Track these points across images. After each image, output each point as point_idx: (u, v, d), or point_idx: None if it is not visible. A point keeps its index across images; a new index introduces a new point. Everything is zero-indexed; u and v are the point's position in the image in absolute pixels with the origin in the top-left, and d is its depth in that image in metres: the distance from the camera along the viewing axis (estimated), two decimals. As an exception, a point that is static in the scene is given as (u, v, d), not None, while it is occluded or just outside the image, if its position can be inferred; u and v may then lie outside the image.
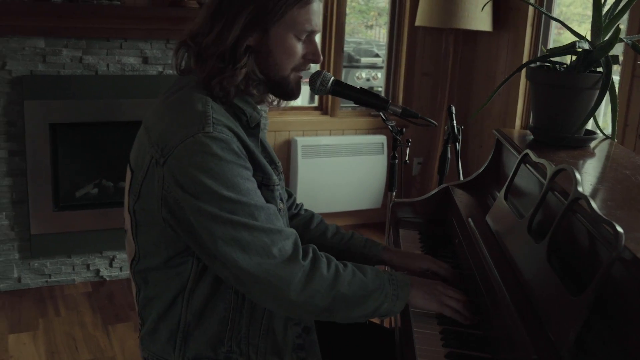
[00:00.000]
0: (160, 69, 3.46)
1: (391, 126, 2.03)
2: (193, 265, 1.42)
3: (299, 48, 1.44)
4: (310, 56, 1.47)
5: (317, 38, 1.52)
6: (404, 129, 2.18)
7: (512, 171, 1.75)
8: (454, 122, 2.38)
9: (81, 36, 3.25)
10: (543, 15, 3.81)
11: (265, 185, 1.42)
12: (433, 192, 2.20)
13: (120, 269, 3.63)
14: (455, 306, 1.47)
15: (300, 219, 1.78)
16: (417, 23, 4.07)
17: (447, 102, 4.23)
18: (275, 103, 1.58)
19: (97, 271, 3.58)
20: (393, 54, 4.53)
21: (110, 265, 3.60)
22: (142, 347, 1.53)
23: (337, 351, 1.66)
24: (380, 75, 6.42)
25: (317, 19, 1.44)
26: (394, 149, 2.26)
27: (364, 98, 1.60)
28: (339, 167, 4.32)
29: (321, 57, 1.48)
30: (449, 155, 2.50)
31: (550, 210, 1.48)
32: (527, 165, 1.72)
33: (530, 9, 3.81)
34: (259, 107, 1.53)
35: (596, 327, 1.15)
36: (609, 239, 1.17)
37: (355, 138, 4.40)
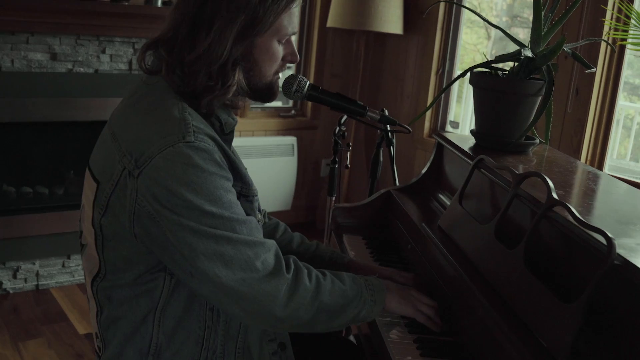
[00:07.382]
0: (70, 66, 3.25)
1: (338, 129, 2.01)
2: (165, 281, 1.33)
3: (281, 52, 1.39)
4: (289, 57, 1.42)
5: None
6: (345, 133, 2.15)
7: (467, 176, 1.77)
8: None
9: (-18, 29, 3.00)
10: (452, 20, 3.91)
11: (244, 196, 1.37)
12: (374, 196, 2.20)
13: (25, 280, 3.38)
14: (428, 312, 1.47)
15: (264, 228, 1.71)
16: (329, 24, 4.07)
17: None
18: (246, 104, 1.51)
19: (0, 283, 3.33)
20: (302, 55, 4.51)
21: (14, 277, 3.35)
22: (103, 372, 1.41)
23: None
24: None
25: (297, 20, 1.40)
26: (334, 152, 2.24)
27: (341, 104, 1.57)
28: (248, 169, 4.22)
29: (298, 57, 1.43)
30: (381, 159, 2.51)
31: (516, 216, 1.51)
32: (482, 170, 1.74)
33: (440, 13, 3.90)
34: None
35: (584, 331, 1.18)
36: (594, 245, 1.20)
37: (265, 139, 4.35)
